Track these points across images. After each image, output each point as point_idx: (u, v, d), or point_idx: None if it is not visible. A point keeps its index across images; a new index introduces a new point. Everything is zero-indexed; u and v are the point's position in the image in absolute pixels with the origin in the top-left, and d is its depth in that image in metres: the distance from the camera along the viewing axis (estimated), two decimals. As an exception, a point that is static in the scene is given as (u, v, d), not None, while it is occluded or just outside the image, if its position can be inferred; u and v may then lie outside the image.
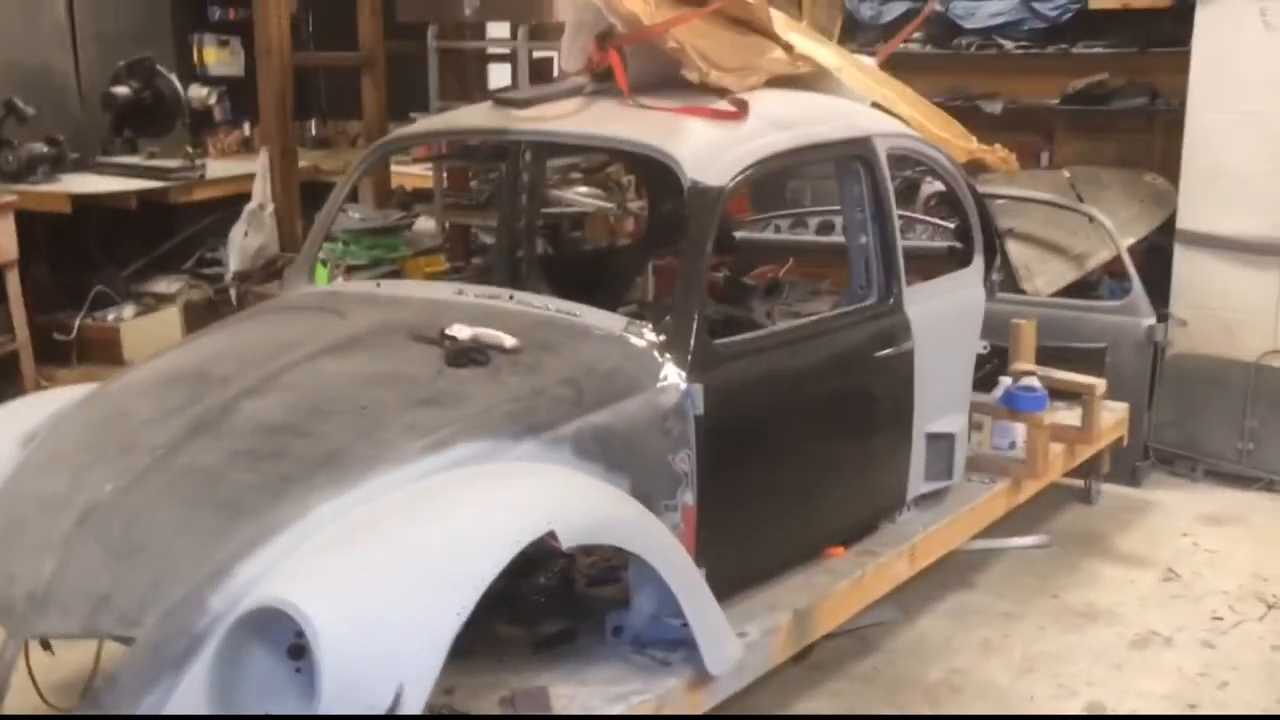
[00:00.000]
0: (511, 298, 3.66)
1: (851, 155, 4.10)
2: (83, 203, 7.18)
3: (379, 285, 3.95)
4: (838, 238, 5.75)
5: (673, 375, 3.36)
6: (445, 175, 6.23)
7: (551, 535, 2.78)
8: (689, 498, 3.38)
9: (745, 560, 3.63)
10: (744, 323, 4.94)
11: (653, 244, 5.57)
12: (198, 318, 7.93)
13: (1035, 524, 5.36)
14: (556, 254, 5.82)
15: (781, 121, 3.91)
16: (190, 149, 8.10)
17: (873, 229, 4.14)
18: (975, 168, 4.93)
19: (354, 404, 3.03)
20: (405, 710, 2.48)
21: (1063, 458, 5.17)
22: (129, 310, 7.54)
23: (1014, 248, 6.21)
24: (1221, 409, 5.91)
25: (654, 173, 5.46)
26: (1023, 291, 6.05)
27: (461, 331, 3.36)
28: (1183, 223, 5.97)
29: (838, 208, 6.02)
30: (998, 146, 4.72)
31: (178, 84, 7.91)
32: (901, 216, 5.59)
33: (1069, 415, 5.29)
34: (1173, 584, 4.92)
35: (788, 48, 4.23)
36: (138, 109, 7.96)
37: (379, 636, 2.52)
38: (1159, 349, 5.90)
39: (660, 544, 3.12)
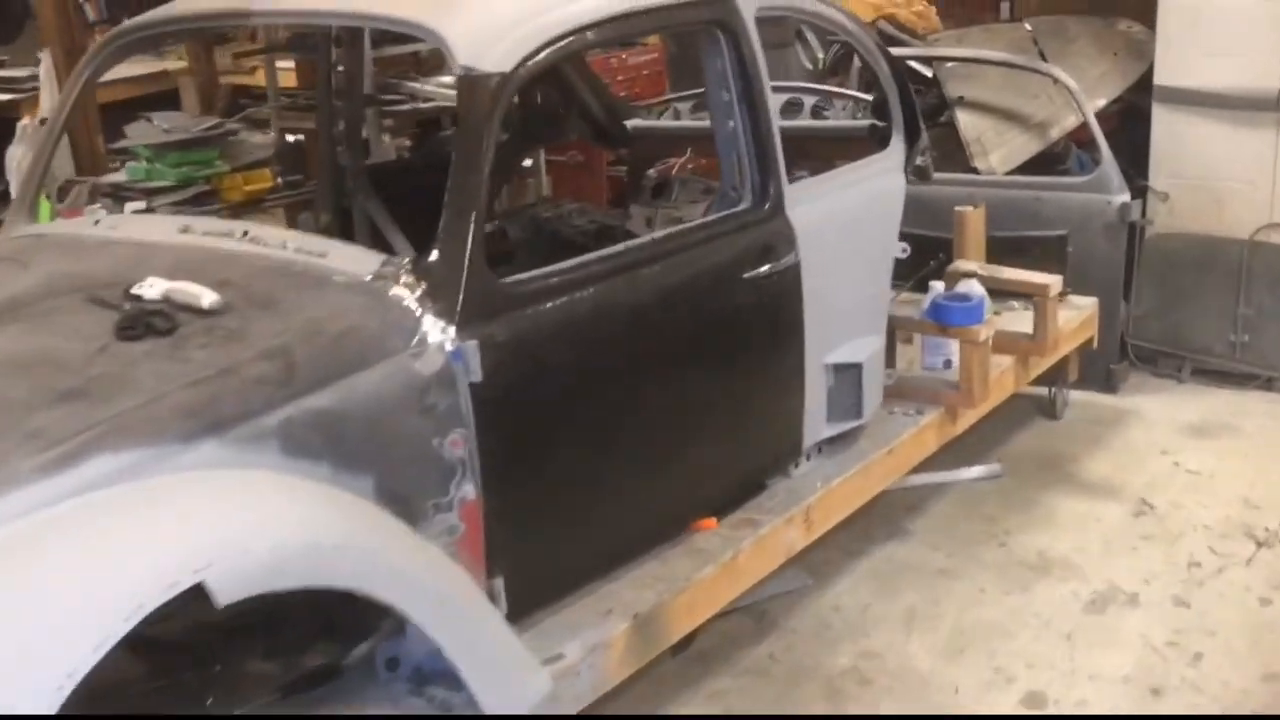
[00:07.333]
0: (245, 234, 2.81)
1: (705, 20, 3.19)
2: None
3: (96, 223, 3.10)
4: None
5: (434, 332, 2.53)
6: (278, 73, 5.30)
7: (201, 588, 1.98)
8: (469, 491, 2.58)
9: (562, 559, 2.84)
10: (617, 235, 4.09)
11: (522, 140, 4.66)
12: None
13: (989, 447, 4.56)
14: (415, 159, 4.95)
15: (598, -18, 3.00)
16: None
17: (741, 113, 3.26)
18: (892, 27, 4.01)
19: (-31, 403, 2.23)
20: None
21: (1012, 374, 4.33)
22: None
23: (965, 119, 5.31)
24: (1211, 296, 5.07)
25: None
26: (976, 170, 5.18)
27: (152, 288, 2.54)
28: (1160, 78, 5.03)
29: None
30: (912, -1, 3.80)
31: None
32: (820, 91, 4.77)
33: (1026, 318, 4.42)
34: (1145, 519, 4.12)
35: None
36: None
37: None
38: (1136, 229, 5.02)
39: (404, 568, 2.32)
